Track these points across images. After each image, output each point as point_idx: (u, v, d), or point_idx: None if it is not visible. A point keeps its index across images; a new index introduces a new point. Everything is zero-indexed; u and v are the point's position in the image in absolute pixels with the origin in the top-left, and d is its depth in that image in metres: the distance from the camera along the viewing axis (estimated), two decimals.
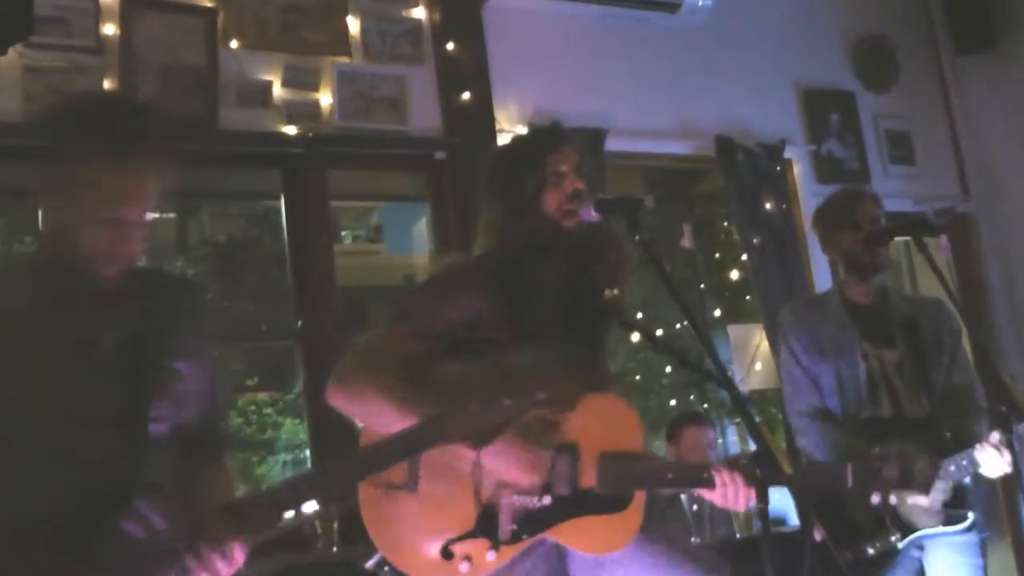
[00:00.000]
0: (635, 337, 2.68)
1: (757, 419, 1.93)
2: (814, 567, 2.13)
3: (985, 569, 2.83)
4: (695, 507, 3.74)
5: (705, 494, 1.97)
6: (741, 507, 1.92)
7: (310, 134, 3.82)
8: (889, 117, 5.20)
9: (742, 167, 4.56)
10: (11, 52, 3.21)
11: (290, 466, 6.03)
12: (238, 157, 3.88)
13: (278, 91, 3.81)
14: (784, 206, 4.67)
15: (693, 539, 3.79)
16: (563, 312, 2.05)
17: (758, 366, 4.59)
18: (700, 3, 4.55)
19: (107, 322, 1.67)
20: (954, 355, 2.94)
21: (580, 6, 4.43)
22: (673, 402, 5.90)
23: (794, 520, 3.80)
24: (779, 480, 1.69)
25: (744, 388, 4.55)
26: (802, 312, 3.05)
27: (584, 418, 1.87)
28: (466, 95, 4.09)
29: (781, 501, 3.39)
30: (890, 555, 2.76)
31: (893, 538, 2.75)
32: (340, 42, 3.97)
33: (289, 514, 1.56)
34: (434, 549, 1.88)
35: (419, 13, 4.16)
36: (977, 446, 2.63)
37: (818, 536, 2.38)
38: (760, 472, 1.74)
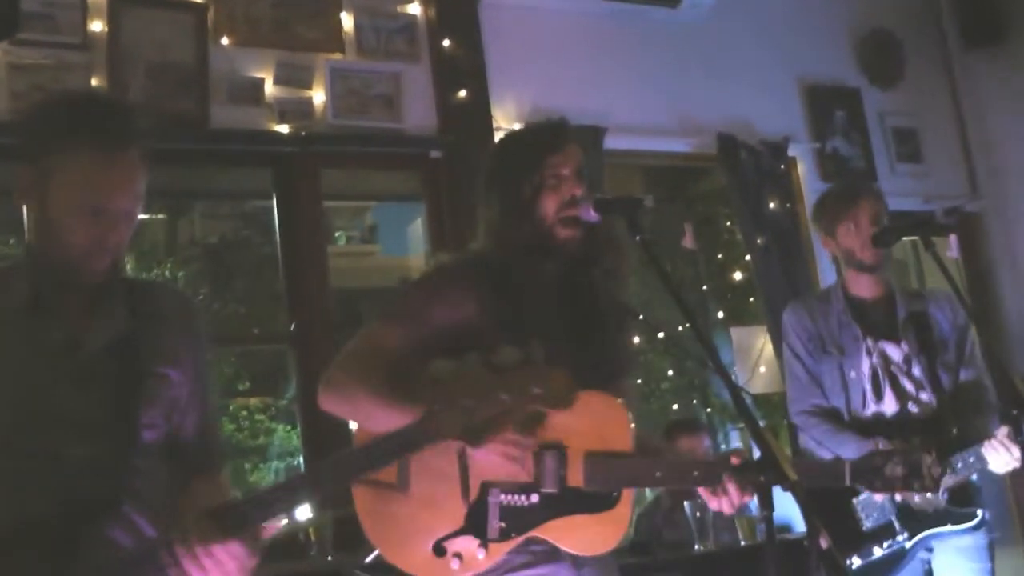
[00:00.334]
0: (635, 340, 2.66)
1: (761, 424, 1.88)
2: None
3: (993, 573, 2.81)
4: (698, 514, 3.71)
5: (701, 491, 1.96)
6: (730, 510, 1.92)
7: (303, 132, 3.80)
8: (896, 114, 5.17)
9: (745, 165, 4.54)
10: None
11: (283, 473, 6.00)
12: (229, 156, 3.86)
13: (270, 89, 3.79)
14: (788, 205, 4.66)
15: (696, 546, 3.74)
16: (559, 313, 2.03)
17: (762, 370, 4.57)
18: None
19: (94, 324, 1.66)
20: (961, 350, 2.91)
21: (579, 1, 4.41)
22: (676, 406, 5.83)
23: (799, 527, 3.76)
24: (782, 484, 1.66)
25: (747, 392, 4.50)
26: (804, 309, 3.01)
27: (574, 417, 1.84)
28: (462, 92, 4.07)
29: (786, 508, 3.34)
30: (898, 556, 2.74)
31: (901, 538, 2.73)
32: (333, 38, 3.95)
33: (279, 516, 1.57)
34: (427, 547, 1.90)
35: (414, 9, 4.14)
36: (985, 443, 2.62)
37: (824, 543, 2.32)
38: (763, 478, 1.71)
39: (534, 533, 1.92)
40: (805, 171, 4.83)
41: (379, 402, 1.85)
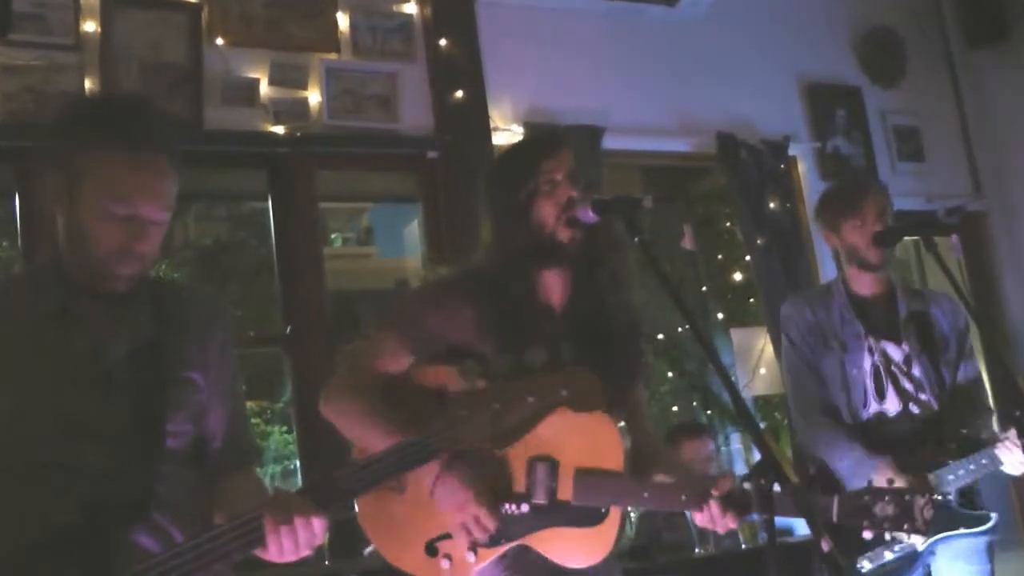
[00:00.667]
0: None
1: (761, 426, 1.87)
2: None
3: (993, 574, 2.79)
4: None
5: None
6: (721, 531, 1.97)
7: (298, 133, 3.78)
8: (897, 112, 5.15)
9: (745, 165, 4.53)
10: None
11: (279, 478, 5.96)
12: (224, 157, 3.83)
13: (265, 89, 3.78)
14: (789, 205, 4.65)
15: (697, 550, 3.71)
16: (563, 321, 2.07)
17: (762, 371, 4.56)
18: None
19: (118, 330, 1.66)
20: (961, 350, 2.89)
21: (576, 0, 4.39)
22: (675, 408, 5.80)
23: (800, 530, 3.73)
24: (782, 489, 1.67)
25: (748, 394, 4.48)
26: (804, 304, 2.97)
27: (567, 433, 1.93)
28: (459, 92, 4.05)
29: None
30: (910, 560, 2.71)
31: (913, 540, 2.67)
32: (329, 38, 3.93)
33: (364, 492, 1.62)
34: (420, 546, 1.97)
35: (410, 8, 4.13)
36: (999, 444, 2.61)
37: (825, 547, 2.30)
38: (763, 481, 1.72)
39: (523, 541, 1.97)
40: (806, 171, 4.81)
41: (373, 427, 1.94)
